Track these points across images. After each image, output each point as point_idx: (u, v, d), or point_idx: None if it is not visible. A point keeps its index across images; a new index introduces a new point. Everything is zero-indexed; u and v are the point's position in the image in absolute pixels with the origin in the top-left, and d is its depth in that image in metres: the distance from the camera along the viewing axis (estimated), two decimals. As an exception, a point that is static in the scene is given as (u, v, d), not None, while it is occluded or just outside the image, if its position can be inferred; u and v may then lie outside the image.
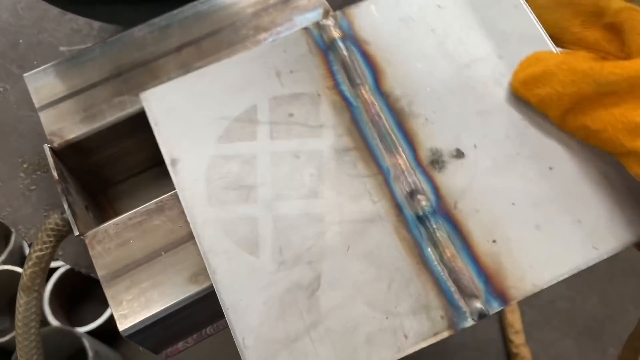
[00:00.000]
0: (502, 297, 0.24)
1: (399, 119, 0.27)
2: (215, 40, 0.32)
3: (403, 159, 0.27)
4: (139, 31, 0.32)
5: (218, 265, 0.26)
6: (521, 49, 0.28)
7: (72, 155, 0.30)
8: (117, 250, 0.27)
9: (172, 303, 0.26)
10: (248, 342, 0.24)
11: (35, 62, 0.41)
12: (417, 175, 0.26)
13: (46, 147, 0.29)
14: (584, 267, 0.24)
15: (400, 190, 0.26)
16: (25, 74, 0.31)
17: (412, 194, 0.26)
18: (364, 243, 0.26)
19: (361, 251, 0.26)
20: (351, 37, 0.29)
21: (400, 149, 0.27)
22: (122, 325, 0.26)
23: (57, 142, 0.30)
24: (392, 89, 0.28)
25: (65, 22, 0.42)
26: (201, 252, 0.26)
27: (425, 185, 0.26)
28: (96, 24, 0.42)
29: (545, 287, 0.24)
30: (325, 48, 0.29)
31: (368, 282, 0.25)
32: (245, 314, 0.25)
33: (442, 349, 0.92)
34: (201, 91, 0.29)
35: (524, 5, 0.29)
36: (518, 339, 0.90)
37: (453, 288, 0.25)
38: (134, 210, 0.28)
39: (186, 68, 0.31)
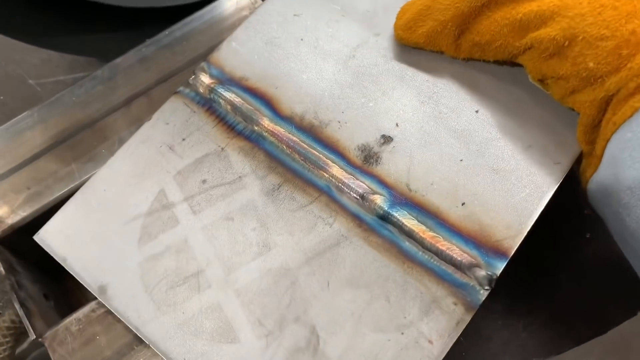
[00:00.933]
0: (500, 252, 0.23)
1: (313, 133, 0.26)
2: (166, 88, 0.29)
3: (337, 169, 0.25)
4: (80, 87, 0.29)
5: (201, 372, 0.22)
6: (391, 19, 0.27)
7: (20, 241, 0.27)
8: (82, 350, 0.24)
9: None
10: None
11: (1, 98, 0.36)
12: (358, 177, 0.24)
13: None
14: (557, 183, 0.23)
15: (350, 200, 0.24)
16: None
17: (363, 197, 0.24)
18: (341, 270, 0.23)
19: (342, 279, 0.23)
20: (227, 80, 0.27)
21: (329, 161, 0.25)
22: None
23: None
24: (291, 109, 0.26)
25: (35, 51, 0.38)
26: (176, 369, 0.22)
27: (371, 184, 0.24)
28: (67, 54, 0.38)
29: (534, 220, 0.23)
30: (206, 102, 0.27)
31: (365, 307, 0.22)
32: None
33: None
34: (99, 202, 0.25)
35: None
36: (539, 357, 0.85)
37: (450, 269, 0.23)
38: (97, 300, 0.24)
39: (138, 124, 0.27)
